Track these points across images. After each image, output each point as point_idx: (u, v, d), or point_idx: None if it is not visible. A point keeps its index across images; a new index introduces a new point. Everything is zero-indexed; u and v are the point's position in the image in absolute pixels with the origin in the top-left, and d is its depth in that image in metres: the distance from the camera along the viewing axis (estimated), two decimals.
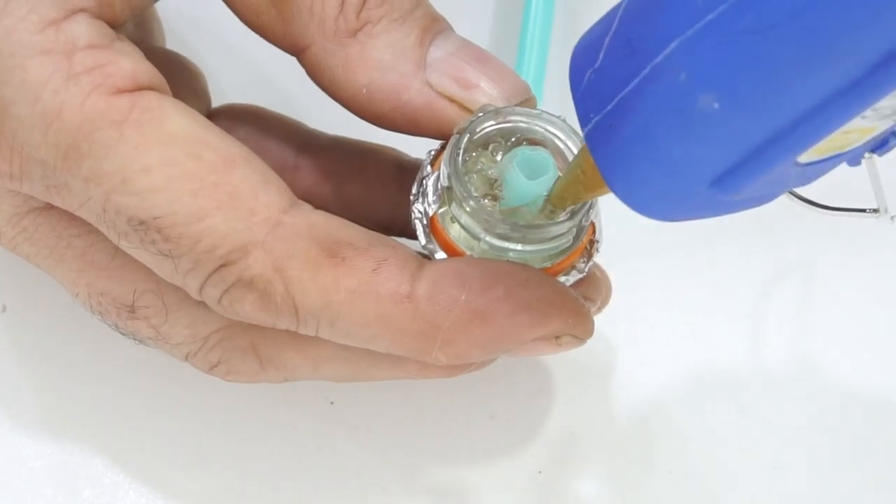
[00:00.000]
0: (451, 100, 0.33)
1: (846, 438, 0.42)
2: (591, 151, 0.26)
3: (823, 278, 0.44)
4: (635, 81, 0.24)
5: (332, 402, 0.41)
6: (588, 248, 0.34)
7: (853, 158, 0.27)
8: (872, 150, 0.27)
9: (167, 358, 0.36)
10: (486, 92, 0.33)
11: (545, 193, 0.32)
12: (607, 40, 0.25)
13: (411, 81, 0.33)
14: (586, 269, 0.34)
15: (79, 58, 0.30)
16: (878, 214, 0.35)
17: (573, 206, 0.32)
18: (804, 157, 0.24)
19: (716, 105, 0.22)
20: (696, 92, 0.23)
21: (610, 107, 0.25)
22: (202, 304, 0.32)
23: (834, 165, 0.26)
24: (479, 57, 0.34)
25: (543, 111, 0.33)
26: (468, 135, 0.32)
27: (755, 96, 0.22)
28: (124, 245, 0.31)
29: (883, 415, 0.42)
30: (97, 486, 0.40)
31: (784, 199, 0.33)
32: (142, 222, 0.30)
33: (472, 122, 0.32)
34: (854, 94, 0.22)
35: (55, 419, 0.41)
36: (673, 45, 0.23)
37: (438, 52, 0.33)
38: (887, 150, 0.27)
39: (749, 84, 0.22)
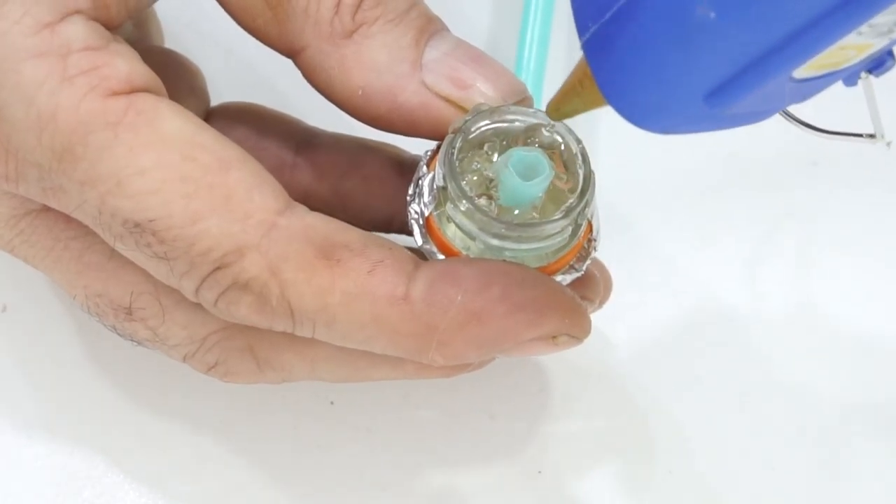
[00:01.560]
0: (448, 100, 0.33)
1: (846, 439, 0.42)
2: (588, 61, 0.26)
3: (816, 280, 0.44)
4: None
5: (332, 402, 0.41)
6: (585, 246, 0.34)
7: (849, 77, 0.27)
8: (869, 70, 0.27)
9: (167, 358, 0.36)
10: (482, 92, 0.33)
11: (540, 194, 0.32)
12: None
13: (407, 82, 0.33)
14: (584, 268, 0.34)
15: (74, 60, 0.30)
16: (874, 140, 0.34)
17: (568, 204, 0.32)
18: (800, 73, 0.24)
19: (712, 14, 0.23)
20: (693, 1, 0.23)
21: (608, 16, 0.25)
22: (199, 305, 0.32)
23: (830, 83, 0.26)
24: (475, 57, 0.33)
25: (539, 111, 0.33)
26: (463, 135, 0.32)
27: (752, 6, 0.22)
28: (120, 247, 0.31)
29: (883, 415, 0.42)
30: (97, 486, 0.40)
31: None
32: (137, 225, 0.30)
33: (466, 121, 0.32)
34: (850, 7, 0.22)
35: (55, 419, 0.41)
36: None
37: (434, 52, 0.33)
38: (884, 71, 0.27)
39: None
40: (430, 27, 0.33)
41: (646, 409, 0.42)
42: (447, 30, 0.34)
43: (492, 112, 0.33)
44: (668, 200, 0.45)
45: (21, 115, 0.29)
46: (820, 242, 0.45)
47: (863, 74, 0.27)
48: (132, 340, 0.35)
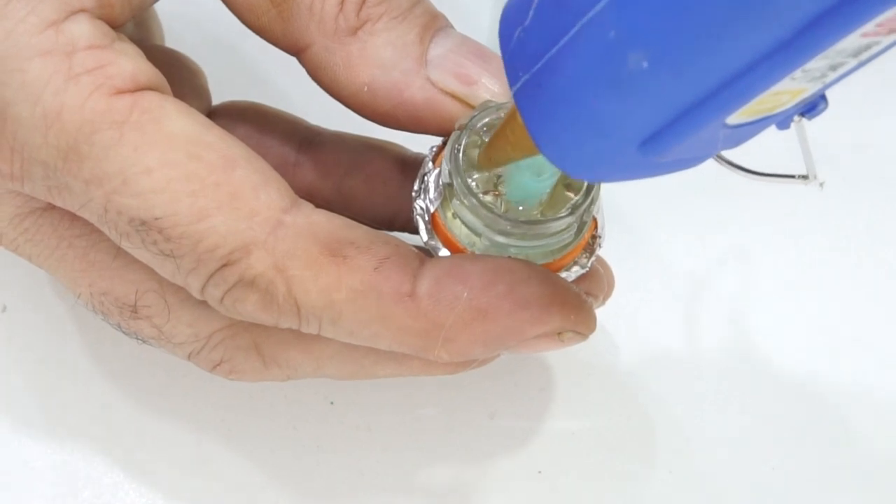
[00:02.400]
0: (453, 96, 0.33)
1: (845, 439, 0.42)
2: (519, 110, 0.26)
3: (818, 283, 0.45)
4: (564, 40, 0.24)
5: (332, 402, 0.41)
6: (590, 243, 0.34)
7: (783, 121, 0.27)
8: (802, 114, 0.27)
9: (167, 358, 0.36)
10: (487, 87, 0.33)
11: (547, 190, 0.32)
12: None
13: (412, 78, 0.33)
14: (588, 265, 0.34)
15: (79, 58, 0.30)
16: (807, 181, 0.34)
17: (574, 202, 0.32)
18: (733, 119, 0.24)
19: (645, 64, 0.22)
20: (625, 50, 0.22)
21: (539, 66, 0.25)
22: (204, 303, 0.32)
23: (763, 128, 0.26)
24: (480, 53, 0.34)
25: None
26: (469, 131, 0.32)
27: (684, 55, 0.22)
28: (126, 245, 0.31)
29: (882, 415, 0.42)
30: (97, 486, 0.40)
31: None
32: (143, 223, 0.30)
33: (472, 117, 0.32)
34: (783, 55, 0.22)
35: (55, 419, 0.41)
36: (602, 2, 0.22)
37: (439, 48, 0.33)
38: (817, 114, 0.27)
39: (679, 43, 0.22)
40: (435, 24, 0.34)
41: (646, 409, 0.42)
42: (451, 26, 0.34)
43: (497, 108, 0.33)
44: (670, 199, 0.45)
45: (27, 114, 0.29)
46: (821, 242, 0.45)
47: (795, 118, 0.27)
48: (137, 338, 0.35)
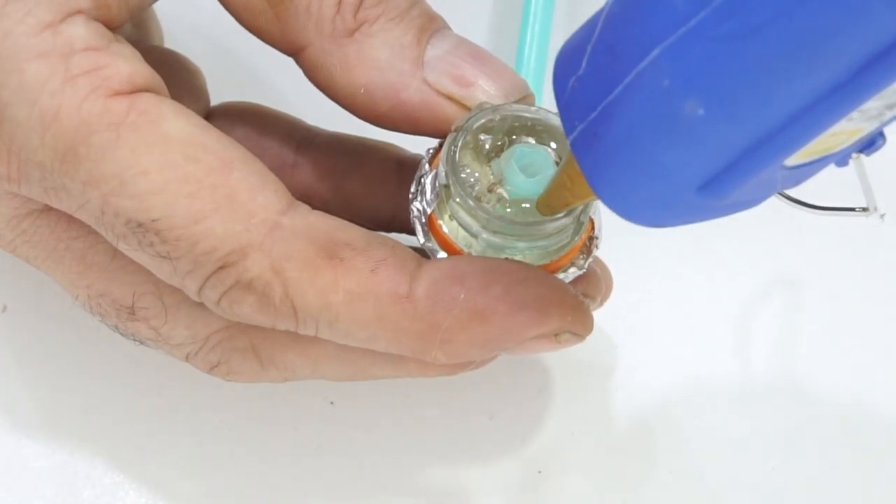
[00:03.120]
0: (450, 98, 0.33)
1: (845, 439, 0.42)
2: (576, 159, 0.26)
3: (816, 281, 0.44)
4: (619, 88, 0.24)
5: (332, 402, 0.41)
6: (587, 244, 0.34)
7: (841, 159, 0.27)
8: (860, 151, 0.27)
9: (167, 358, 0.36)
10: (484, 89, 0.33)
11: (542, 191, 0.32)
12: (590, 47, 0.25)
13: (409, 80, 0.33)
14: (586, 266, 0.34)
15: (76, 60, 0.30)
16: (867, 213, 0.34)
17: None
18: (791, 161, 0.24)
19: (700, 111, 0.22)
20: (680, 98, 0.22)
21: (594, 115, 0.25)
22: (202, 304, 0.32)
23: (821, 167, 0.26)
24: (477, 55, 0.33)
25: (541, 108, 0.33)
26: (465, 133, 0.32)
27: (740, 101, 0.22)
28: (123, 247, 0.31)
29: (882, 415, 0.42)
30: (97, 486, 0.40)
31: (775, 200, 0.33)
32: (140, 225, 0.30)
33: (468, 119, 0.32)
34: (839, 98, 0.22)
35: (55, 419, 0.41)
36: (656, 51, 0.23)
37: (436, 50, 0.33)
38: (875, 150, 0.27)
39: (734, 89, 0.22)
40: (432, 25, 0.34)
41: (646, 409, 0.42)
42: (448, 28, 0.34)
43: (494, 110, 0.33)
44: None
45: (24, 116, 0.29)
46: (822, 242, 0.45)
47: (854, 155, 0.27)
48: (135, 340, 0.35)
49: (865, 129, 0.24)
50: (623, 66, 0.23)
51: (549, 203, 0.31)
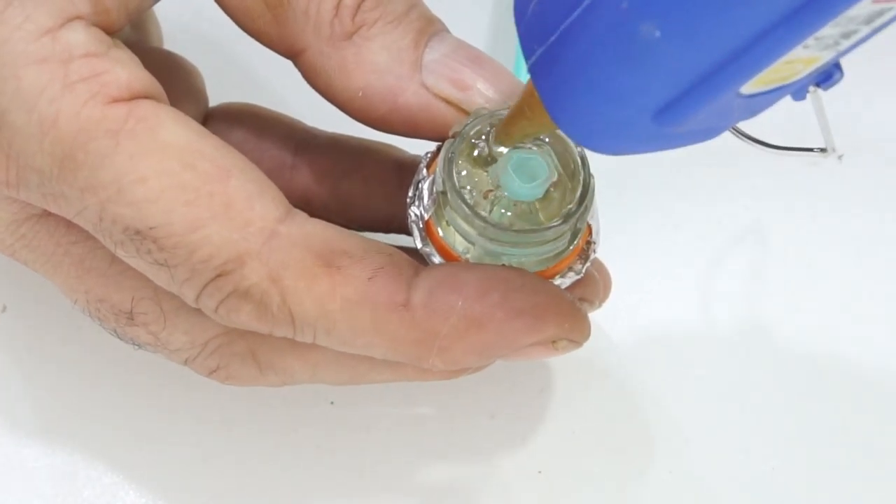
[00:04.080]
0: (448, 101, 0.33)
1: (846, 439, 0.42)
2: (535, 84, 0.26)
3: (819, 282, 0.44)
4: (577, 11, 0.24)
5: (332, 402, 0.41)
6: (585, 249, 0.34)
7: (798, 91, 0.26)
8: (818, 84, 0.26)
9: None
10: (482, 93, 0.33)
11: (540, 195, 0.32)
12: None
13: (407, 84, 0.33)
14: (583, 271, 0.34)
15: (75, 66, 0.29)
16: (825, 154, 0.34)
17: (567, 210, 0.32)
18: (748, 88, 0.24)
19: (657, 33, 0.22)
20: (637, 20, 0.22)
21: (553, 38, 0.25)
22: (200, 310, 0.32)
23: (779, 97, 0.26)
24: (475, 58, 0.33)
25: None
26: (462, 138, 0.32)
27: (697, 24, 0.22)
28: (121, 254, 0.31)
29: (883, 415, 0.42)
30: (97, 486, 0.40)
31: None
32: (137, 232, 0.29)
33: (465, 125, 0.32)
34: (795, 22, 0.22)
35: (55, 419, 0.41)
36: None
37: (434, 53, 0.33)
38: (832, 85, 0.27)
39: (690, 11, 0.22)
40: (430, 28, 0.33)
41: (646, 409, 0.42)
42: (447, 31, 0.34)
43: (491, 115, 0.33)
44: (668, 200, 0.45)
45: (22, 122, 0.29)
46: (821, 242, 0.45)
47: (811, 88, 0.27)
48: (133, 344, 0.35)
49: (822, 58, 0.24)
50: None
51: (509, 132, 0.31)
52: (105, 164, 0.29)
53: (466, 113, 0.33)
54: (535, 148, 0.33)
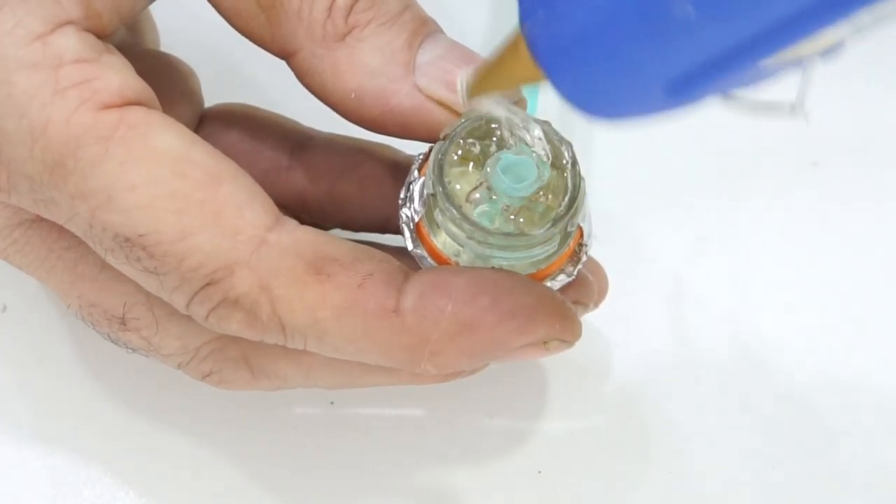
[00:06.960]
0: (440, 103, 0.33)
1: (846, 439, 0.41)
2: (530, 45, 0.25)
3: (824, 286, 0.44)
4: None
5: (332, 402, 0.41)
6: (576, 251, 0.34)
7: (799, 64, 0.26)
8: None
9: None
10: None
11: (529, 194, 0.32)
12: None
13: (400, 85, 0.33)
14: (575, 273, 0.34)
15: (66, 72, 0.29)
16: (794, 111, 0.33)
17: (556, 213, 0.32)
18: (763, 62, 0.24)
19: (690, 9, 0.21)
20: None
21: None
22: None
23: (786, 70, 0.25)
24: (468, 59, 0.33)
25: (528, 115, 0.33)
26: (452, 141, 0.32)
27: (734, 4, 0.21)
28: (111, 260, 0.31)
29: (883, 414, 0.42)
30: (97, 486, 0.40)
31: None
32: (127, 239, 0.29)
33: (456, 128, 0.32)
34: (833, 4, 0.21)
35: (55, 419, 0.41)
36: None
37: (427, 54, 0.33)
38: (833, 57, 0.26)
39: None
40: (424, 29, 0.33)
41: (646, 410, 0.42)
42: (441, 31, 0.34)
43: (482, 117, 0.32)
44: (666, 201, 0.45)
45: (12, 128, 0.29)
46: (819, 242, 0.45)
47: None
48: (127, 348, 0.35)
49: (841, 37, 0.23)
50: None
51: (483, 84, 0.31)
52: (95, 172, 0.29)
53: (459, 115, 0.33)
54: (524, 145, 0.32)
